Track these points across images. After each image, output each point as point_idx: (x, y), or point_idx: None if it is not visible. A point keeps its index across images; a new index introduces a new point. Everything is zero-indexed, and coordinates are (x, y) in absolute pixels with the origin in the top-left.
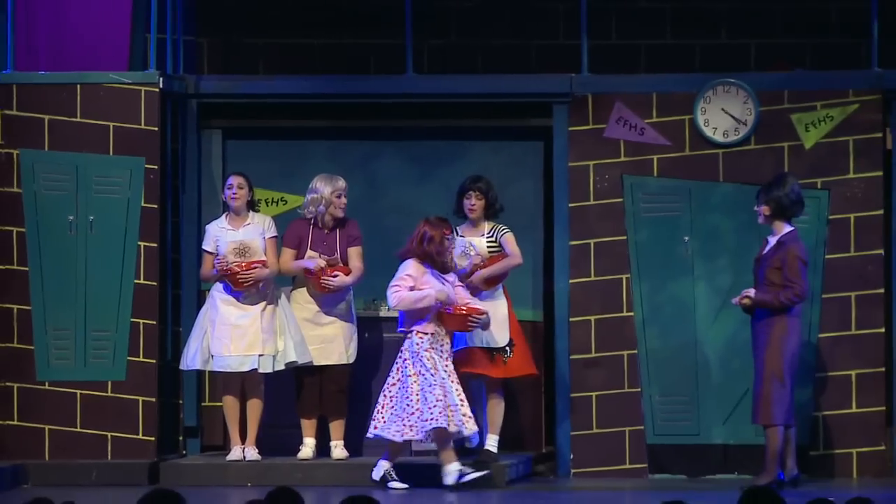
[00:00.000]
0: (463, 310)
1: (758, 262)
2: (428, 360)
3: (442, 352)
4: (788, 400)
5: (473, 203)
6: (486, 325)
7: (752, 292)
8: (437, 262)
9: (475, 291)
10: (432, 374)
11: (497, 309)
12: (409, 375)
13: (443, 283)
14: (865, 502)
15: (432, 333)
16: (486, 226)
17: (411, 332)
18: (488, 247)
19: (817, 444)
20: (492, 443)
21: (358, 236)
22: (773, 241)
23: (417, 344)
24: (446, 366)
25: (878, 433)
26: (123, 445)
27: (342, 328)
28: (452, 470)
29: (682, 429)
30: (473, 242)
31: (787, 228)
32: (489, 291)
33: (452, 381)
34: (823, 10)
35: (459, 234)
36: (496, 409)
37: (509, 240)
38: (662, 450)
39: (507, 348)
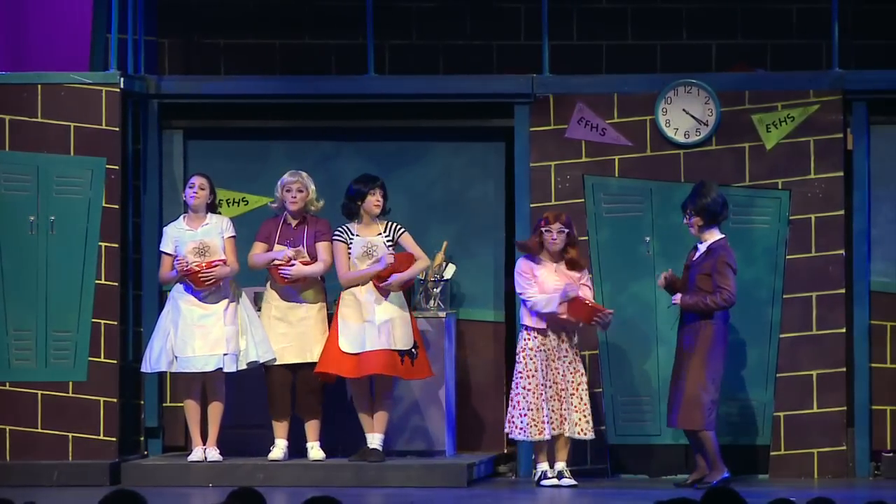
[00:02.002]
0: (588, 302)
1: (687, 268)
2: (532, 359)
3: (555, 351)
4: (714, 406)
5: (378, 199)
6: (605, 326)
7: (678, 297)
8: (534, 249)
9: (384, 292)
10: (532, 376)
11: (402, 311)
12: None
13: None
14: (826, 502)
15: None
16: (381, 225)
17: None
18: (388, 246)
19: (778, 444)
20: (377, 442)
21: (327, 232)
22: (702, 248)
23: (525, 340)
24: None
25: (838, 433)
26: (85, 446)
27: (314, 326)
28: (538, 470)
29: (644, 429)
30: (374, 242)
31: (718, 236)
32: (393, 296)
33: (561, 383)
34: (784, 11)
35: (355, 233)
36: (388, 408)
37: (410, 240)
38: (624, 450)
39: (414, 350)
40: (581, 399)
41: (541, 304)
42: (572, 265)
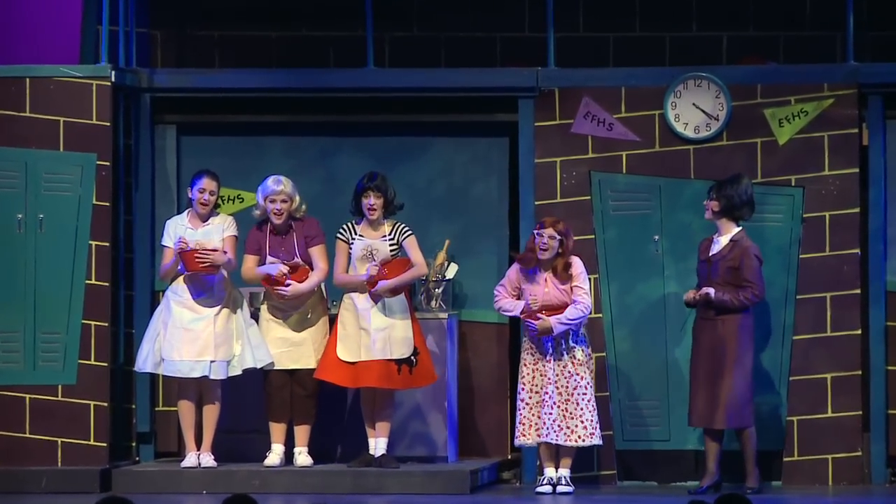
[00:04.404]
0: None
1: (708, 262)
2: (524, 363)
3: (546, 355)
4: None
5: (372, 202)
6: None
7: (711, 290)
8: (525, 260)
9: (377, 298)
10: (521, 379)
11: (402, 317)
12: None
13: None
14: None
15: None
16: (387, 226)
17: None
18: (390, 249)
19: (791, 450)
20: (382, 447)
21: (317, 235)
22: (721, 240)
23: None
24: (545, 368)
25: (853, 438)
26: (74, 452)
27: (312, 331)
28: (544, 476)
29: (653, 434)
30: (375, 245)
31: (737, 228)
32: (394, 300)
33: (551, 387)
34: (797, 2)
35: (358, 234)
36: (388, 418)
37: (412, 244)
38: (632, 456)
39: (413, 358)
40: (577, 405)
41: (506, 307)
42: (555, 274)
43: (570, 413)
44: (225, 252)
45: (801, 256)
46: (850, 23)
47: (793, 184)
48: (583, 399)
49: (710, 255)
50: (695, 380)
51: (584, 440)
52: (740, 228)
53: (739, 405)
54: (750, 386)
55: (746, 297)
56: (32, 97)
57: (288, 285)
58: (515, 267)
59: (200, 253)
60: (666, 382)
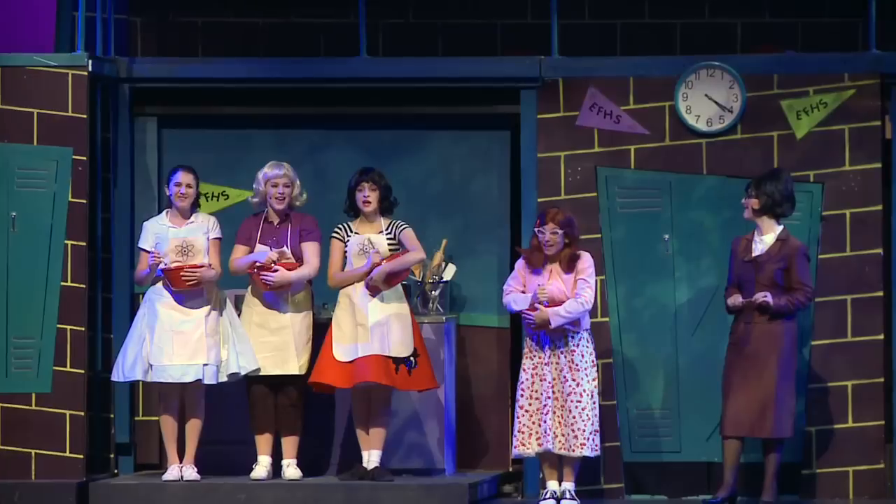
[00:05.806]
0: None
1: (754, 263)
2: (523, 369)
3: (546, 360)
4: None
5: (367, 195)
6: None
7: (770, 297)
8: (532, 259)
9: (374, 291)
10: (520, 385)
11: (401, 314)
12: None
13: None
14: None
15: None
16: (383, 222)
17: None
18: (388, 245)
19: (810, 462)
20: (375, 459)
21: (313, 231)
22: (766, 240)
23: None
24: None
25: (876, 450)
26: (49, 464)
27: (295, 336)
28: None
29: (663, 445)
30: (372, 239)
31: (780, 227)
32: (390, 292)
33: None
34: None
35: (354, 230)
36: (384, 424)
37: (410, 235)
38: (641, 468)
39: (413, 358)
40: (570, 412)
41: (513, 302)
42: (561, 266)
43: (564, 420)
44: (210, 266)
45: (820, 257)
46: (873, 9)
47: (811, 180)
48: (576, 407)
49: (756, 255)
50: (732, 386)
51: (573, 450)
52: (783, 227)
53: (788, 413)
54: (792, 394)
55: (800, 301)
56: (5, 87)
57: (275, 271)
58: (522, 261)
59: (187, 270)
60: (677, 390)
